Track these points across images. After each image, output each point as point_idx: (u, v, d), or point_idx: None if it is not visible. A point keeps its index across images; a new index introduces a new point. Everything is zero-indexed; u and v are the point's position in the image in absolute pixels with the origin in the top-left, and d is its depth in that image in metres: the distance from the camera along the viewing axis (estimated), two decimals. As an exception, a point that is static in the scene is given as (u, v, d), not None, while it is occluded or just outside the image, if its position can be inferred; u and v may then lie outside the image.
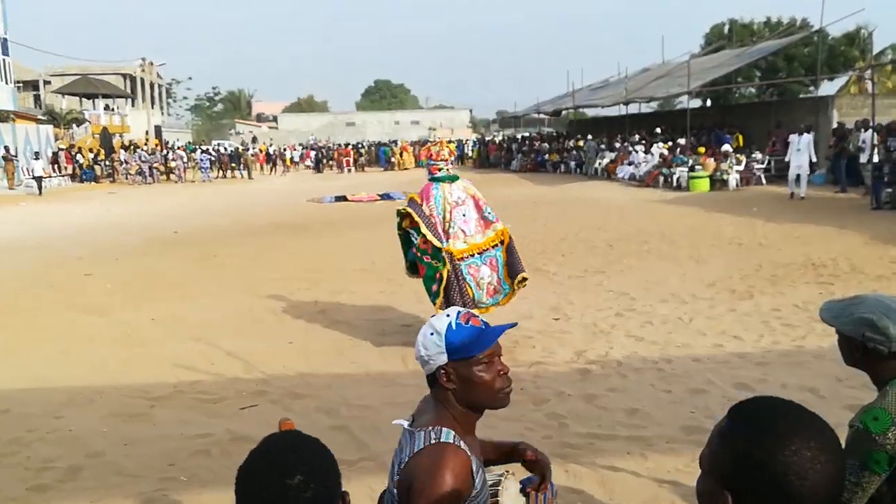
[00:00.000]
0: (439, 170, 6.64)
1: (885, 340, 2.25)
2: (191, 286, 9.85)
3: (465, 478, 2.04)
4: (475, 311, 2.26)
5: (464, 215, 6.46)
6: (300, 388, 5.72)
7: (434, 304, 6.46)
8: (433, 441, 2.07)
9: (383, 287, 8.97)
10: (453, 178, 6.65)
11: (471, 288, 6.35)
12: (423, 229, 6.33)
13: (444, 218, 6.40)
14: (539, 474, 2.51)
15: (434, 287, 6.42)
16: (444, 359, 2.16)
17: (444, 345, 2.16)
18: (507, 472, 2.44)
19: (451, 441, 2.07)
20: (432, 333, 2.18)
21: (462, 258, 6.35)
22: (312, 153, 44.94)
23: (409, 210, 6.45)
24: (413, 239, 6.54)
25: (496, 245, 6.52)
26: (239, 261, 11.72)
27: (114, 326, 7.82)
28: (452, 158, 6.77)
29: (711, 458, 1.27)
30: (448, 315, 2.21)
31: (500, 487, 2.34)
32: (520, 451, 2.55)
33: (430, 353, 2.18)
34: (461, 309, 2.25)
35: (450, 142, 47.21)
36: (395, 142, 48.73)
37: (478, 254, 6.42)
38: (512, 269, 6.58)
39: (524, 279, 6.60)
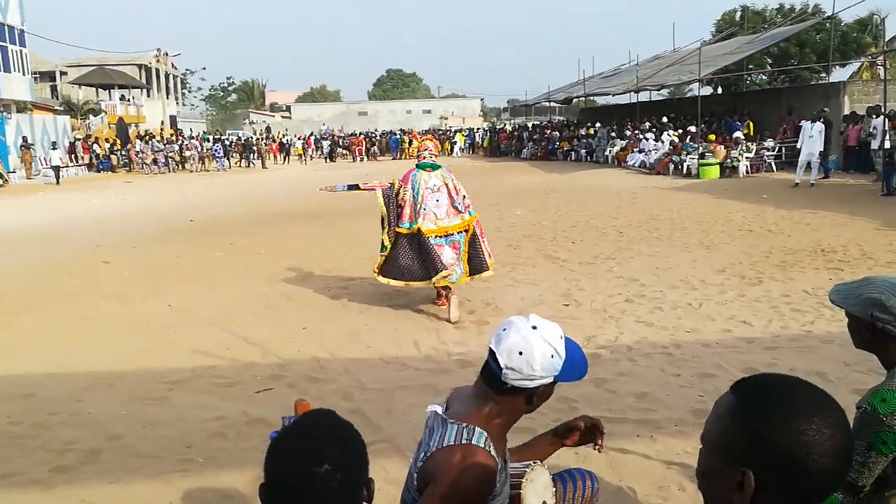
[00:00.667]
0: (424, 158, 7.34)
1: (893, 320, 2.25)
2: (207, 274, 9.92)
3: (488, 482, 2.03)
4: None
5: (437, 200, 7.19)
6: (315, 372, 5.76)
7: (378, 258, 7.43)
8: (464, 441, 2.04)
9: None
10: (434, 167, 7.31)
11: (437, 262, 7.04)
12: (383, 210, 7.24)
13: (417, 200, 7.14)
14: (594, 434, 2.42)
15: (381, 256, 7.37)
16: (549, 380, 2.07)
17: (560, 368, 2.07)
18: (535, 462, 2.38)
19: (482, 445, 2.04)
20: (553, 356, 2.04)
21: (431, 237, 7.10)
22: (323, 142, 44.87)
23: (378, 195, 7.28)
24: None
25: (461, 231, 7.25)
26: (254, 249, 11.78)
27: (132, 313, 7.89)
28: (437, 152, 7.55)
29: (720, 437, 1.26)
30: (561, 336, 2.09)
31: (523, 480, 2.26)
32: (563, 432, 2.45)
33: (544, 373, 2.04)
34: (561, 329, 2.14)
35: (459, 130, 47.47)
36: (403, 130, 48.66)
37: (444, 236, 7.17)
38: (474, 261, 7.31)
39: (489, 275, 7.53)
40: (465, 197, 7.33)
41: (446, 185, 7.25)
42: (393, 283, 7.41)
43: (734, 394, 1.28)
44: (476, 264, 7.32)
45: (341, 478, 1.50)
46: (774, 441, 1.17)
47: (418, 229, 7.08)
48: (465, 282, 7.43)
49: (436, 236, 7.12)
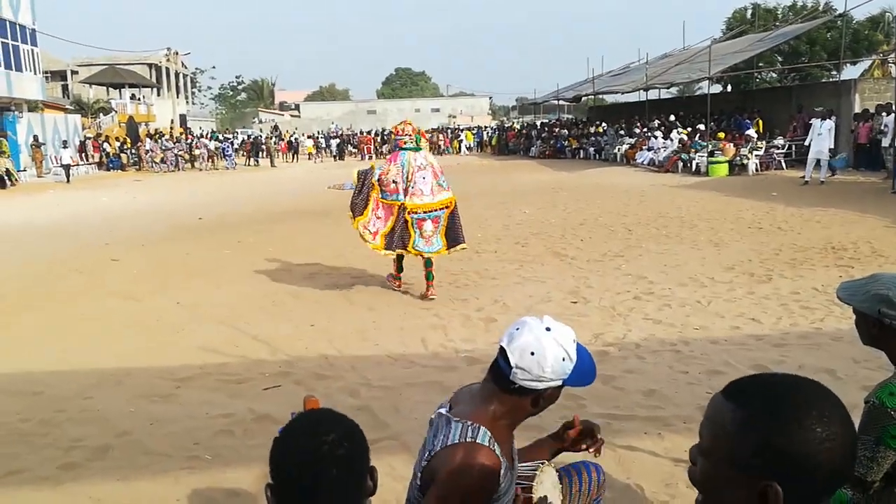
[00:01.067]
0: (405, 143, 7.88)
1: None
2: (215, 271, 9.94)
3: (491, 480, 2.01)
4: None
5: (423, 178, 7.73)
6: (323, 369, 5.76)
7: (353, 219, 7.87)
8: (468, 439, 2.02)
9: (404, 272, 8.98)
10: (417, 149, 7.89)
11: (414, 234, 7.66)
12: (354, 180, 7.83)
13: (407, 178, 7.69)
14: (589, 438, 2.40)
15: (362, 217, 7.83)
16: (558, 384, 2.07)
17: (570, 372, 2.06)
18: (543, 462, 2.37)
19: (486, 444, 2.02)
20: (564, 359, 2.03)
21: (415, 211, 7.68)
22: (332, 140, 44.93)
23: (354, 175, 7.91)
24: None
25: (442, 208, 7.83)
26: (262, 247, 11.79)
27: (140, 311, 7.91)
28: (415, 135, 8.00)
29: (726, 448, 1.21)
30: (574, 340, 2.08)
31: (534, 483, 2.25)
32: (559, 435, 2.44)
33: (554, 376, 2.04)
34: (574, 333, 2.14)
35: (468, 128, 47.44)
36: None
37: (427, 211, 7.73)
38: (451, 235, 7.88)
39: (462, 248, 8.12)
40: (444, 178, 7.98)
41: (431, 165, 7.85)
42: (364, 238, 7.85)
43: (731, 400, 1.22)
44: (453, 238, 7.90)
45: (348, 447, 1.54)
46: (787, 448, 1.14)
47: (404, 205, 7.65)
48: (443, 254, 7.94)
49: (422, 211, 7.71)
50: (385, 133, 47.66)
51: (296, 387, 5.33)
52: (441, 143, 44.33)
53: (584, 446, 2.41)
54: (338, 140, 44.65)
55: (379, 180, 7.70)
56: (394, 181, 7.67)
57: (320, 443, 1.52)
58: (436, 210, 7.78)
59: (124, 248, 12.20)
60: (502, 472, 2.05)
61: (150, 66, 53.92)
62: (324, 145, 44.56)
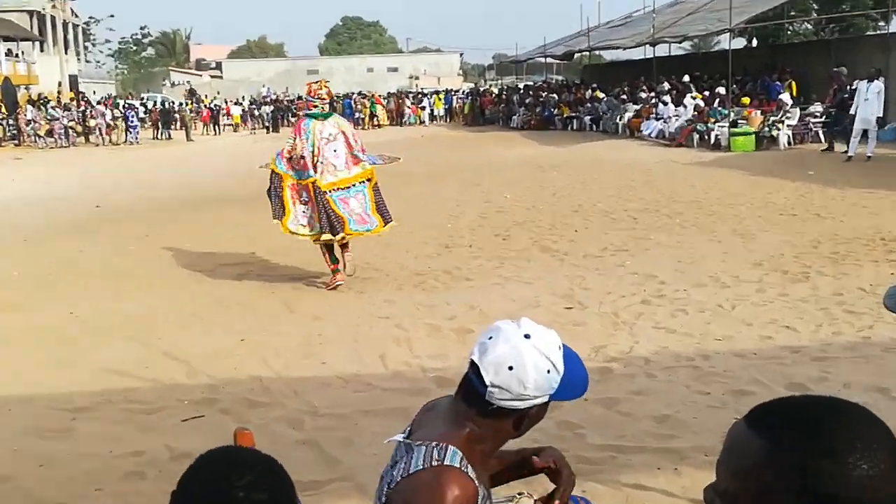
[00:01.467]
0: (315, 106, 8.37)
1: None
2: (118, 273, 9.84)
3: None
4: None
5: (335, 150, 8.16)
6: (256, 394, 5.74)
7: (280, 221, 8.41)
8: (435, 462, 2.01)
9: (353, 271, 8.98)
10: (326, 116, 8.36)
11: (344, 215, 8.06)
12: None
13: (313, 152, 8.07)
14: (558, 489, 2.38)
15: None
16: (544, 400, 2.07)
17: (557, 386, 2.06)
18: (521, 493, 2.41)
19: (458, 465, 2.01)
20: (549, 371, 2.02)
21: (332, 190, 8.09)
22: (264, 107, 44.68)
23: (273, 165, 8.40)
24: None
25: (363, 181, 8.30)
26: (178, 242, 11.68)
27: (23, 324, 7.81)
28: (329, 100, 8.66)
29: (751, 485, 1.20)
30: (559, 347, 2.08)
31: None
32: (529, 458, 2.42)
33: (538, 392, 2.03)
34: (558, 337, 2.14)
35: (435, 92, 47.30)
36: (363, 93, 48.42)
37: (345, 188, 8.17)
38: (381, 209, 8.42)
39: (393, 226, 8.65)
40: (362, 146, 8.47)
41: (343, 133, 8.29)
42: (301, 234, 8.40)
43: (755, 430, 1.23)
44: (383, 213, 8.44)
45: (269, 490, 1.50)
46: (824, 489, 1.14)
47: (315, 183, 8.06)
48: (382, 231, 8.57)
49: (338, 188, 8.14)
50: (334, 98, 47.48)
51: (223, 417, 5.31)
52: (406, 111, 44.23)
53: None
54: (271, 107, 44.37)
55: (289, 159, 8.17)
56: (302, 156, 8.10)
57: (234, 489, 1.47)
58: (355, 185, 8.25)
59: (1, 244, 12.03)
60: (479, 499, 2.04)
61: (30, 13, 53.08)
62: (256, 113, 44.35)
